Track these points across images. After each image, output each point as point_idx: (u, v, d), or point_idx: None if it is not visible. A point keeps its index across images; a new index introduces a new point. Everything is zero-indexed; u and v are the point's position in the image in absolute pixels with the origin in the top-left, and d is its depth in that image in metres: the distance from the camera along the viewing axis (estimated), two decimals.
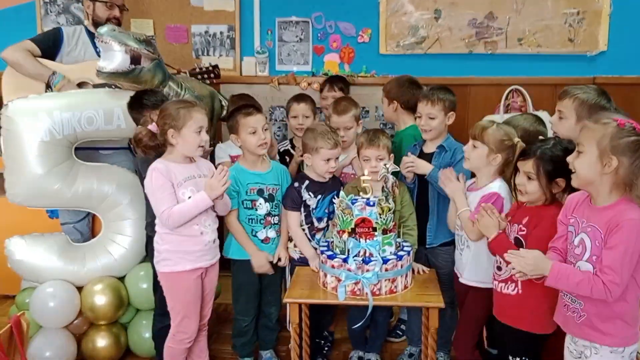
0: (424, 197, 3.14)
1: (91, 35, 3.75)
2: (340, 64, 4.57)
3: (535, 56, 4.41)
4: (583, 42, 4.36)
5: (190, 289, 2.86)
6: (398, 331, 3.70)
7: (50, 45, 3.65)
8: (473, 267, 2.80)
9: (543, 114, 4.11)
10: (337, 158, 3.14)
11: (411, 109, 3.52)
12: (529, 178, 2.45)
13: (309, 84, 4.52)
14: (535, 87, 4.32)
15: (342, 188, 3.14)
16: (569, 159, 2.16)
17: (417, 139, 3.33)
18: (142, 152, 2.82)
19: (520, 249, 2.27)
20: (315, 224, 3.15)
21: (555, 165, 2.40)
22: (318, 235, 3.16)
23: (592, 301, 2.10)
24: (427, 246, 3.14)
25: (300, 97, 3.77)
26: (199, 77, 4.13)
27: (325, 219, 3.16)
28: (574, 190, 2.28)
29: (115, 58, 3.14)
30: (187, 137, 2.76)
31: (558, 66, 4.41)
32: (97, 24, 3.72)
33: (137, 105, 3.09)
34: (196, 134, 2.77)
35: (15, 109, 3.17)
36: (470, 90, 4.44)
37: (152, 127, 2.80)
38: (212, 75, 4.18)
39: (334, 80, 4.08)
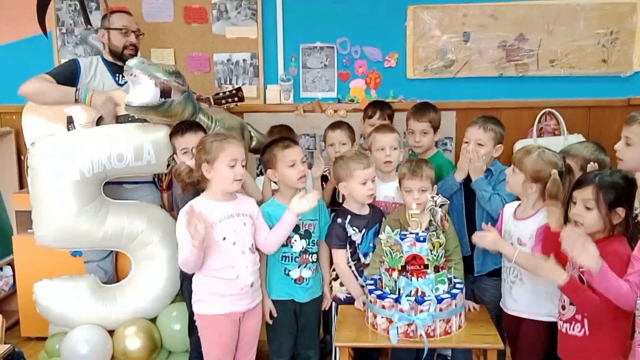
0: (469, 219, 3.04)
1: (109, 65, 3.67)
2: (367, 90, 4.46)
3: (568, 78, 4.30)
4: (617, 62, 4.25)
5: (225, 333, 2.75)
6: None
7: (67, 77, 3.54)
8: (530, 298, 2.66)
9: (577, 137, 4.04)
10: (374, 180, 3.02)
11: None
12: (588, 208, 2.32)
13: (335, 111, 4.40)
14: (568, 109, 4.23)
15: (384, 217, 3.03)
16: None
17: (453, 167, 3.25)
18: (182, 189, 2.73)
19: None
20: (362, 260, 3.02)
21: (616, 193, 2.29)
22: (366, 272, 3.01)
23: None
24: (475, 274, 3.03)
25: (336, 124, 3.65)
26: (223, 101, 4.05)
27: (370, 254, 3.02)
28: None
29: (145, 91, 3.03)
30: (221, 171, 2.67)
31: (591, 87, 4.29)
32: (114, 53, 3.65)
33: (184, 129, 3.02)
34: (230, 168, 2.67)
35: (43, 148, 3.06)
36: (502, 114, 4.28)
37: (191, 162, 2.70)
38: (235, 98, 4.09)
39: (384, 107, 3.88)
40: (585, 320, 2.34)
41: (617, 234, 2.32)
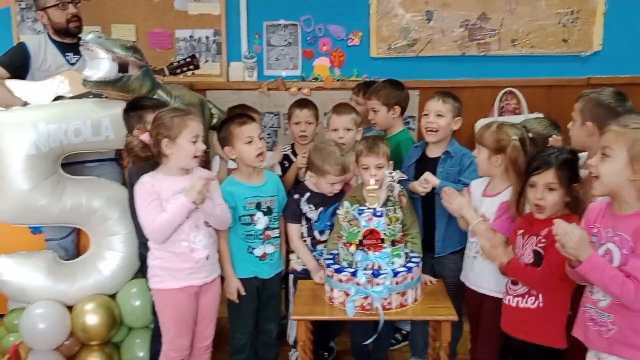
0: (430, 206, 3.04)
1: (57, 44, 3.59)
2: (331, 68, 4.47)
3: (529, 57, 4.36)
4: (577, 42, 4.31)
5: (180, 307, 2.75)
6: (393, 340, 3.60)
7: (18, 65, 3.46)
8: (492, 277, 2.68)
9: (538, 116, 4.08)
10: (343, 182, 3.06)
11: (404, 112, 3.53)
12: (551, 189, 2.35)
13: (299, 89, 4.40)
14: (529, 88, 4.29)
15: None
16: (592, 162, 2.07)
17: (412, 142, 3.25)
18: (133, 162, 2.69)
19: (571, 224, 2.08)
20: (317, 236, 3.05)
21: (572, 170, 2.35)
22: (320, 247, 3.05)
23: (625, 314, 2.01)
24: (435, 256, 3.05)
25: (302, 103, 3.62)
26: (178, 71, 3.97)
27: (327, 232, 3.05)
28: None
29: (102, 66, 3.01)
30: (182, 147, 2.65)
31: (552, 67, 4.36)
32: (58, 30, 3.57)
33: (136, 107, 2.96)
34: (191, 144, 2.66)
35: None
36: (463, 93, 4.26)
37: (145, 137, 2.68)
38: (191, 66, 4.01)
39: (367, 88, 3.76)
40: (541, 294, 2.38)
41: (570, 213, 2.37)
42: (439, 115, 3.04)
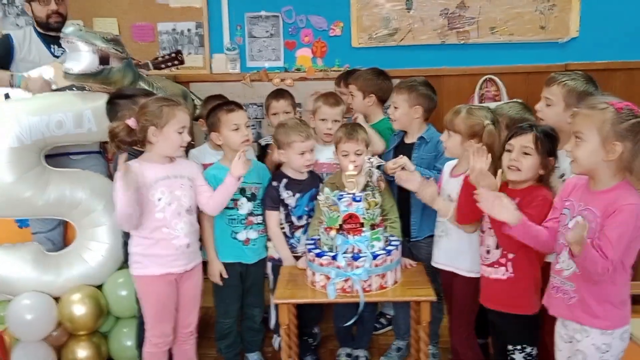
0: (405, 191, 3.08)
1: (42, 37, 3.62)
2: (313, 59, 4.52)
3: (508, 45, 4.43)
4: (554, 29, 4.38)
5: (161, 293, 2.78)
6: (377, 324, 3.66)
7: (2, 54, 3.51)
8: (456, 252, 2.75)
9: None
10: (312, 150, 3.08)
11: (383, 101, 3.54)
12: (526, 154, 2.42)
13: (282, 80, 4.44)
14: (508, 75, 4.35)
15: (321, 184, 3.09)
16: (567, 147, 2.14)
17: (392, 132, 3.31)
18: (117, 147, 2.71)
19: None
20: (295, 222, 3.10)
21: (551, 143, 2.41)
22: (298, 234, 3.10)
23: (585, 283, 2.10)
24: (411, 239, 3.10)
25: (279, 94, 3.67)
26: (162, 65, 3.98)
27: (305, 217, 3.10)
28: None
29: (83, 58, 3.03)
30: (169, 137, 2.69)
31: (530, 54, 4.42)
32: (40, 24, 3.61)
33: (122, 97, 2.99)
34: (178, 134, 2.70)
35: None
36: (444, 81, 4.42)
37: (131, 122, 2.68)
38: (175, 62, 4.01)
39: (348, 77, 3.80)
40: (510, 263, 2.46)
41: (545, 184, 2.45)
42: (395, 107, 3.13)
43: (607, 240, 1.99)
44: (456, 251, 2.76)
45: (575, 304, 2.16)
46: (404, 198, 3.11)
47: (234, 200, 3.01)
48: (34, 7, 3.60)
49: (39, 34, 3.63)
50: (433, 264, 2.90)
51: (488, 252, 2.54)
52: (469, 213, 2.55)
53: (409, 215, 3.10)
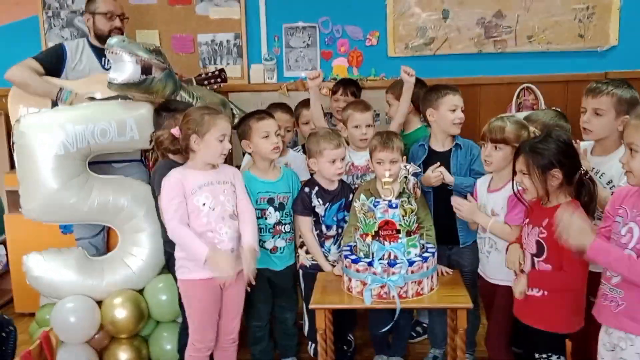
0: (445, 198, 3.08)
1: (95, 49, 3.74)
2: (349, 68, 4.55)
3: (546, 53, 4.39)
4: (593, 37, 4.33)
5: (205, 298, 2.83)
6: (413, 333, 3.67)
7: (54, 62, 3.63)
8: (505, 270, 2.70)
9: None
10: (343, 159, 3.11)
11: (419, 111, 3.54)
12: (524, 174, 2.43)
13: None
14: (546, 84, 4.30)
15: (352, 193, 3.13)
16: (623, 160, 2.13)
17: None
18: (161, 155, 2.81)
19: (573, 216, 2.15)
20: (325, 231, 3.12)
21: (546, 156, 2.37)
22: (327, 243, 3.13)
23: (632, 290, 2.07)
24: (460, 246, 3.11)
25: (307, 103, 3.71)
26: (206, 82, 4.10)
27: (334, 227, 3.12)
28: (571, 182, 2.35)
29: (126, 69, 3.11)
30: (210, 144, 2.76)
31: (569, 63, 4.38)
32: (99, 37, 3.72)
33: (169, 109, 3.10)
34: (218, 142, 2.77)
35: (28, 124, 3.13)
36: (481, 90, 4.41)
37: (175, 130, 2.79)
38: (219, 79, 4.14)
39: (347, 84, 4.01)
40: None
41: (571, 200, 2.41)
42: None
43: None
44: (503, 267, 2.69)
45: (623, 311, 2.12)
46: (445, 206, 3.07)
47: (262, 210, 3.06)
48: (97, 20, 3.73)
49: (92, 46, 3.75)
50: (490, 280, 2.87)
51: (522, 271, 2.51)
52: None
53: (452, 222, 3.08)
